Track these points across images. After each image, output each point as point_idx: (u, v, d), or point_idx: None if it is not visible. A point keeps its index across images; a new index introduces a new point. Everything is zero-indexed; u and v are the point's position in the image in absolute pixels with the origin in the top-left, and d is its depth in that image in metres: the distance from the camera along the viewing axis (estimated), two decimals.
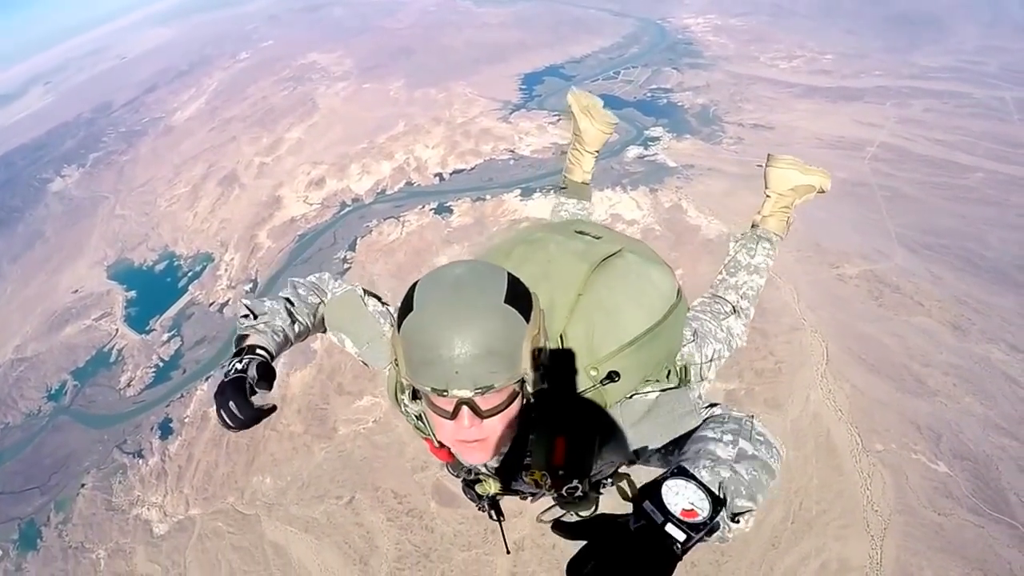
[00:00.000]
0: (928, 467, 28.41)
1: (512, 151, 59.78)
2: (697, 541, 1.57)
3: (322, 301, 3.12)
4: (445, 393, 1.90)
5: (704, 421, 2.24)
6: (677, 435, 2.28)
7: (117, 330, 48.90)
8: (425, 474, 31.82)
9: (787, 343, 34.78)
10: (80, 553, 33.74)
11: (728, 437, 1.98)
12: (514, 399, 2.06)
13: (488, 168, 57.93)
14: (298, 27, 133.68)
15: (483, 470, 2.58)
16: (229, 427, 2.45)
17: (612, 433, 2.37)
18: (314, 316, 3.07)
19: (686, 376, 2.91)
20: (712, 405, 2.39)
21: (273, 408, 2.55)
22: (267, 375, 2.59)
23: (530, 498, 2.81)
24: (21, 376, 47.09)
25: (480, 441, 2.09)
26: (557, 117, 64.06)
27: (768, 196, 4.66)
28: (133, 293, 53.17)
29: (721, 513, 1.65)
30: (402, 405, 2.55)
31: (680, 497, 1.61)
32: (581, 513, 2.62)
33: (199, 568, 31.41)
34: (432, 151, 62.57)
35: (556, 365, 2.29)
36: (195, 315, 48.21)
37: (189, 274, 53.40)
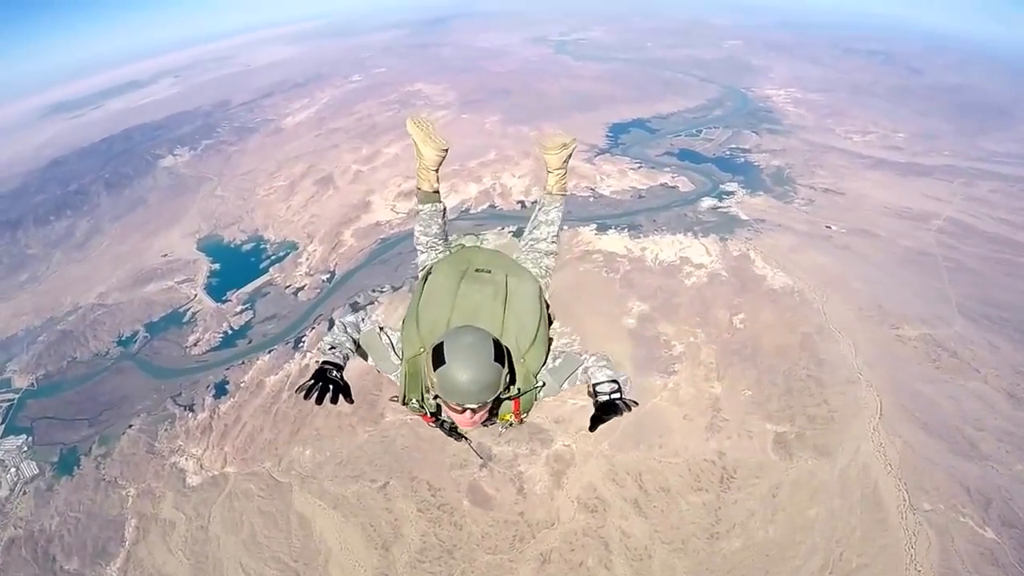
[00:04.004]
0: (976, 532, 25.79)
1: (593, 189, 59.67)
2: (622, 394, 3.56)
3: (359, 334, 4.29)
4: (461, 406, 3.35)
5: (588, 364, 4.00)
6: (573, 374, 3.96)
7: (195, 295, 49.04)
8: (463, 472, 30.19)
9: (842, 394, 32.40)
10: (111, 487, 32.84)
11: (602, 363, 3.96)
12: (490, 402, 3.43)
13: (569, 202, 55.22)
14: (409, 59, 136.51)
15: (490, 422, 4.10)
16: (317, 396, 3.38)
17: (547, 383, 3.92)
18: (356, 344, 4.20)
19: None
20: (583, 354, 4.15)
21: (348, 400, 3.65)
22: (348, 389, 3.59)
23: (490, 426, 4.15)
24: (98, 319, 47.42)
25: (473, 422, 3.66)
26: (639, 164, 64.34)
27: (551, 172, 5.90)
28: (217, 266, 53.44)
29: (619, 382, 3.65)
30: (411, 400, 3.91)
31: (606, 388, 3.62)
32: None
33: (222, 524, 29.95)
34: (517, 180, 62.62)
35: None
36: (271, 294, 48.04)
37: (272, 257, 53.53)
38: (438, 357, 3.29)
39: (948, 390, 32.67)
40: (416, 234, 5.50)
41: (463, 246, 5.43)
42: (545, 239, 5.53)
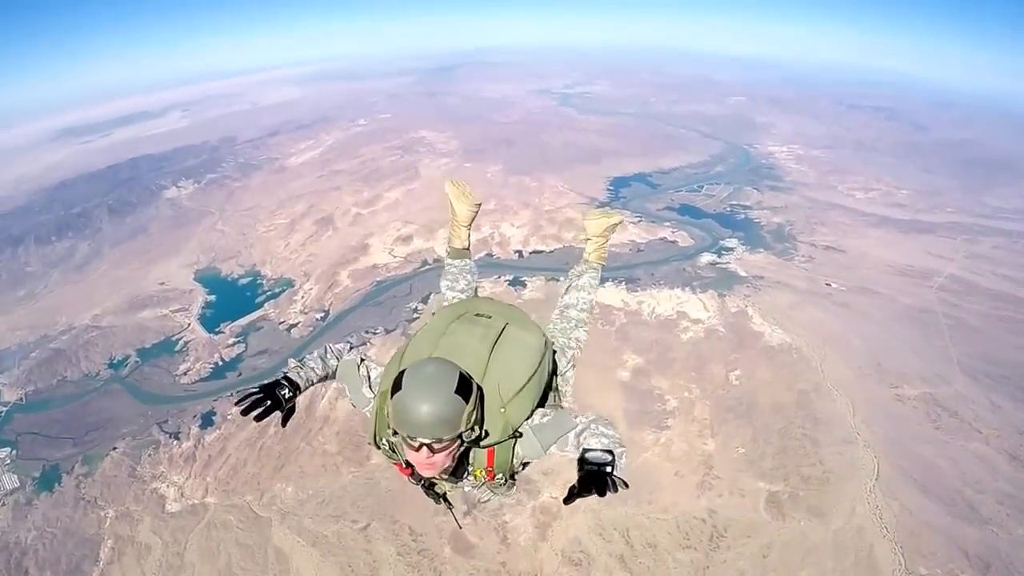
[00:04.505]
0: None
1: None
2: (615, 468, 2.93)
3: (338, 361, 4.22)
4: (414, 440, 3.01)
5: (583, 428, 3.46)
6: (564, 436, 3.48)
7: (189, 324, 49.16)
8: (447, 518, 29.47)
9: (838, 454, 31.97)
10: (90, 507, 32.62)
11: (600, 429, 3.37)
12: (455, 442, 3.13)
13: (566, 253, 57.51)
14: (415, 106, 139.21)
15: (437, 477, 3.61)
16: (246, 407, 3.39)
17: (523, 441, 3.53)
18: (331, 371, 4.16)
19: (559, 388, 4.59)
20: (578, 415, 3.61)
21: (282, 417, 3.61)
22: (291, 411, 3.63)
23: (470, 488, 3.90)
24: (91, 341, 47.53)
25: (432, 464, 3.20)
26: (639, 218, 64.70)
27: (590, 239, 5.88)
28: (213, 297, 53.72)
29: (614, 455, 3.03)
30: (381, 440, 3.58)
31: (597, 457, 2.99)
32: (505, 495, 4.05)
33: (198, 552, 29.48)
34: (516, 230, 62.90)
35: (484, 411, 3.38)
36: (264, 329, 48.05)
37: (268, 293, 53.70)
38: (397, 384, 3.07)
39: (948, 451, 32.35)
40: (443, 288, 5.51)
41: (476, 297, 5.42)
42: (576, 305, 5.32)
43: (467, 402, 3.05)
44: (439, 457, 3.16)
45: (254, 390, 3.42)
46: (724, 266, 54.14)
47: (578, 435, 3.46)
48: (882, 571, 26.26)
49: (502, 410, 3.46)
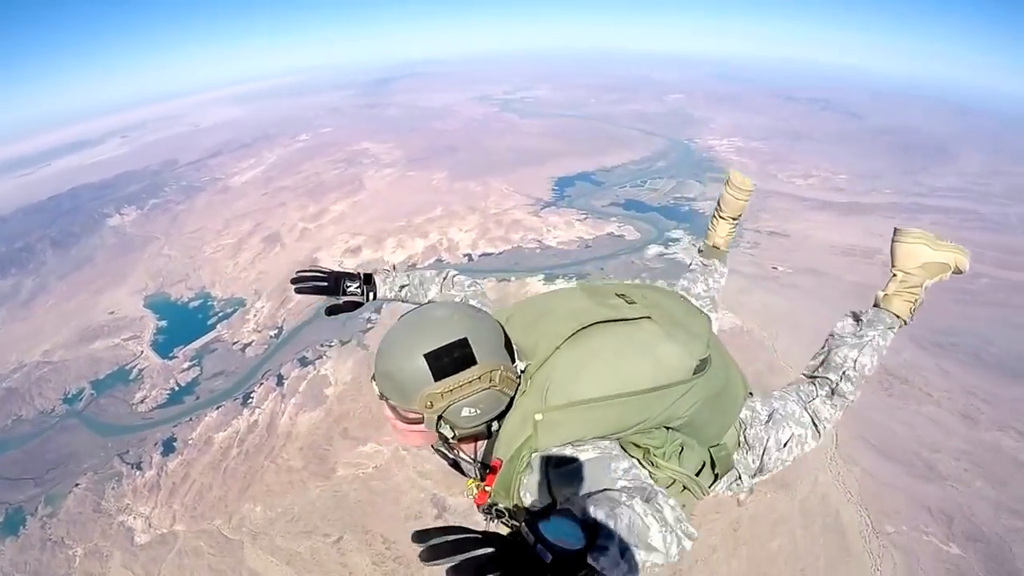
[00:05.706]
0: (940, 549, 26.54)
1: (539, 241, 60.49)
2: (574, 567, 1.47)
3: (439, 294, 3.59)
4: (374, 380, 2.43)
5: (636, 508, 1.83)
6: (581, 493, 2.09)
7: (142, 352, 48.10)
8: (419, 523, 29.12)
9: None
10: (58, 547, 31.67)
11: (628, 499, 1.84)
12: (416, 422, 2.38)
13: (515, 254, 58.35)
14: (356, 119, 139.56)
15: (469, 472, 2.67)
16: (297, 277, 3.25)
17: (535, 471, 2.29)
18: (428, 300, 3.52)
19: (715, 464, 2.73)
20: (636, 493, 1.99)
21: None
22: (350, 306, 3.40)
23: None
24: (43, 377, 46.33)
25: (394, 428, 2.52)
26: (585, 215, 65.70)
27: (894, 274, 3.73)
28: (164, 323, 52.58)
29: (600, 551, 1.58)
30: None
31: (559, 528, 1.53)
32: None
33: None
34: (464, 234, 63.21)
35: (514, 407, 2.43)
36: (218, 351, 47.27)
37: (220, 314, 52.86)
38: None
39: (902, 416, 33.67)
40: (678, 289, 4.08)
41: (673, 290, 3.89)
42: (839, 367, 3.48)
43: (437, 379, 2.24)
44: (397, 422, 2.47)
45: (322, 270, 3.27)
46: (672, 256, 55.43)
47: (599, 504, 1.83)
48: (850, 533, 27.26)
49: (537, 416, 2.31)
